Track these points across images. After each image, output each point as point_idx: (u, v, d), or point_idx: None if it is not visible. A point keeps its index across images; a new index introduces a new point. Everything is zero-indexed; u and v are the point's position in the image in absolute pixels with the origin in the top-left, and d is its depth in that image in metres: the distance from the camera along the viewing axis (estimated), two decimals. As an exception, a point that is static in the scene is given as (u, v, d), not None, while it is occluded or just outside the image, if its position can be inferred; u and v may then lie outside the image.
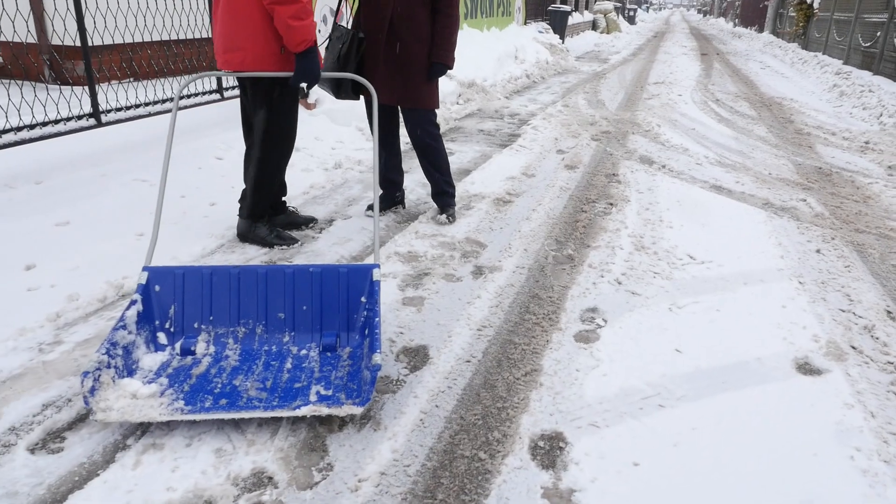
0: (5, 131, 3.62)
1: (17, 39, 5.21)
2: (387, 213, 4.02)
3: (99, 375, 2.01)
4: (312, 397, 2.09)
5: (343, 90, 3.53)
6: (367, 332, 2.41)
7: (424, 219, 3.90)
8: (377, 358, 2.05)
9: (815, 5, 15.46)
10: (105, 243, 3.32)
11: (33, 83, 4.86)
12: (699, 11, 72.24)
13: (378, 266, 2.52)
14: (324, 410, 2.00)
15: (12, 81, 4.10)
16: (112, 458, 1.89)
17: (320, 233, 3.68)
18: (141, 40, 5.97)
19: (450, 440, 2.01)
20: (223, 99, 5.32)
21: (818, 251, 3.63)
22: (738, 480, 1.87)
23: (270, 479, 1.82)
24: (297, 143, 3.53)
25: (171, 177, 4.21)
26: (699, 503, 1.78)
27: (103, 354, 2.06)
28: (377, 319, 2.27)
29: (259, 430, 2.00)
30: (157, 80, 5.58)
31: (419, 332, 2.63)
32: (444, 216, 3.83)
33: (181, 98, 4.97)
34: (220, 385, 2.17)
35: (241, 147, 4.94)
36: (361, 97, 3.64)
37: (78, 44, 5.34)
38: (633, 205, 4.33)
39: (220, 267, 2.52)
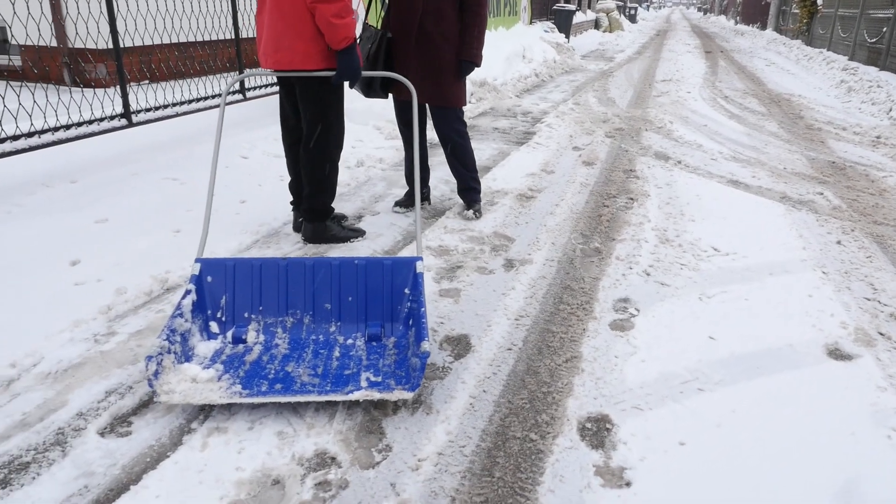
0: (43, 131, 3.71)
1: (40, 43, 5.30)
2: (412, 209, 4.09)
3: (161, 360, 2.09)
4: (363, 383, 2.17)
5: (373, 89, 3.61)
6: (410, 322, 2.49)
7: (451, 214, 3.98)
8: (426, 345, 2.13)
9: (819, 2, 15.52)
10: (143, 239, 3.40)
11: (55, 85, 4.96)
12: (699, 9, 72.26)
13: (421, 259, 2.60)
14: (376, 395, 2.08)
15: (38, 85, 4.20)
16: (179, 441, 1.97)
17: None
18: (160, 42, 6.06)
19: (500, 422, 2.08)
20: (245, 99, 5.40)
21: (839, 242, 3.70)
22: (780, 459, 1.94)
23: (333, 459, 1.90)
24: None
25: (202, 175, 4.31)
26: (745, 480, 1.85)
27: (164, 340, 2.14)
28: (423, 309, 2.35)
29: (317, 415, 2.08)
30: (175, 82, 5.66)
31: (459, 322, 2.70)
32: (470, 211, 3.91)
33: (205, 98, 5.05)
34: (273, 371, 2.25)
35: (265, 147, 5.06)
36: (389, 95, 3.72)
37: (97, 47, 5.44)
38: (654, 199, 4.40)
39: (269, 259, 2.60)
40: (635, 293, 3.01)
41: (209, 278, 2.54)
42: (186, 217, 3.72)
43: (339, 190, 4.45)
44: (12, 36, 4.20)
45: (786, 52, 16.54)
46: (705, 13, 60.14)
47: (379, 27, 3.70)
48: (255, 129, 5.29)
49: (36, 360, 2.34)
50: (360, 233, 3.57)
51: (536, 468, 1.89)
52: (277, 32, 3.08)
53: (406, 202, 4.05)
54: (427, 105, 3.80)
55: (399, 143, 5.72)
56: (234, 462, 1.87)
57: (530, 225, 3.87)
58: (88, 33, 4.84)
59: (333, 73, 3.09)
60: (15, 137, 3.54)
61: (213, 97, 5.08)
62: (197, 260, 2.57)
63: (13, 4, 3.98)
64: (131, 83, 6.26)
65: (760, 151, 5.88)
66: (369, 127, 6.00)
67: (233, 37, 5.44)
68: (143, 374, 2.19)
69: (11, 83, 3.59)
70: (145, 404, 2.14)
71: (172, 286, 2.97)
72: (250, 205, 4.03)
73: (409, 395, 2.08)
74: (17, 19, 3.85)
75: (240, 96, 5.36)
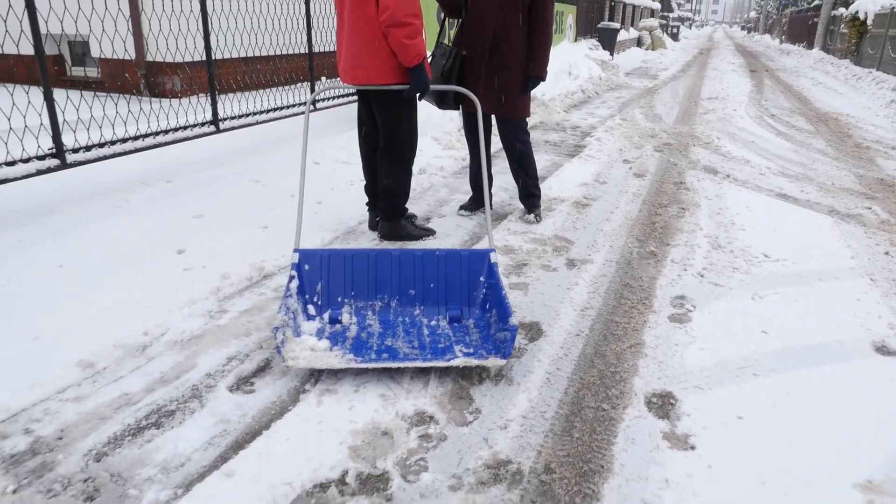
0: (144, 135, 4.11)
1: (115, 57, 5.77)
2: (476, 213, 4.39)
3: (285, 331, 2.41)
4: (458, 353, 2.46)
5: (446, 101, 3.92)
6: (487, 306, 2.78)
7: (513, 218, 4.26)
8: (513, 320, 2.41)
9: (869, 22, 15.46)
10: (236, 234, 3.75)
11: (134, 96, 5.40)
12: (743, 28, 71.58)
13: (494, 250, 2.89)
14: (473, 362, 2.36)
15: (119, 95, 4.62)
16: (297, 399, 2.28)
17: (421, 229, 4.06)
18: (237, 56, 6.51)
19: (575, 394, 2.34)
20: (315, 110, 5.78)
21: (887, 253, 3.87)
22: (832, 437, 2.15)
23: (431, 417, 2.19)
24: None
25: (281, 179, 4.68)
26: (800, 453, 2.07)
27: (285, 315, 2.46)
28: (504, 292, 2.63)
29: (413, 382, 2.37)
30: (250, 93, 6.09)
31: (529, 311, 2.97)
32: (531, 216, 4.19)
33: (284, 108, 5.44)
34: (375, 345, 2.55)
35: (334, 154, 5.42)
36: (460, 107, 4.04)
37: (175, 60, 5.90)
38: (704, 209, 4.62)
39: (360, 249, 2.91)
40: (691, 291, 3.24)
41: (306, 266, 2.86)
42: (270, 216, 4.08)
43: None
44: (101, 50, 4.64)
45: (833, 71, 16.48)
46: (749, 32, 59.61)
47: (450, 45, 4.03)
48: (325, 138, 5.66)
49: (163, 331, 2.69)
50: (431, 232, 3.88)
51: (610, 432, 2.14)
52: (355, 51, 3.41)
53: (470, 206, 4.35)
54: (493, 116, 4.11)
55: (457, 152, 6.05)
56: (347, 416, 2.17)
57: (588, 229, 4.13)
58: (168, 48, 5.28)
59: (406, 87, 3.41)
60: (123, 140, 3.94)
61: (289, 107, 5.47)
62: (295, 250, 2.88)
63: (90, 21, 4.35)
64: (200, 94, 6.73)
65: (808, 168, 6.03)
66: (427, 137, 6.33)
67: (306, 51, 5.84)
68: (267, 344, 2.53)
69: (95, 94, 3.97)
70: (262, 368, 2.46)
71: (268, 273, 3.31)
72: (326, 206, 4.37)
73: (502, 363, 2.36)
74: (101, 34, 4.25)
75: (310, 108, 5.73)
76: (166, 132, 4.24)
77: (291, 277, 2.74)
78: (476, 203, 4.39)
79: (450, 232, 4.01)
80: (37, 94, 3.51)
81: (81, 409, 2.18)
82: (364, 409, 2.21)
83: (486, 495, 1.84)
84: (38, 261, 3.16)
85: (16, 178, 3.32)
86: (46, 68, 3.44)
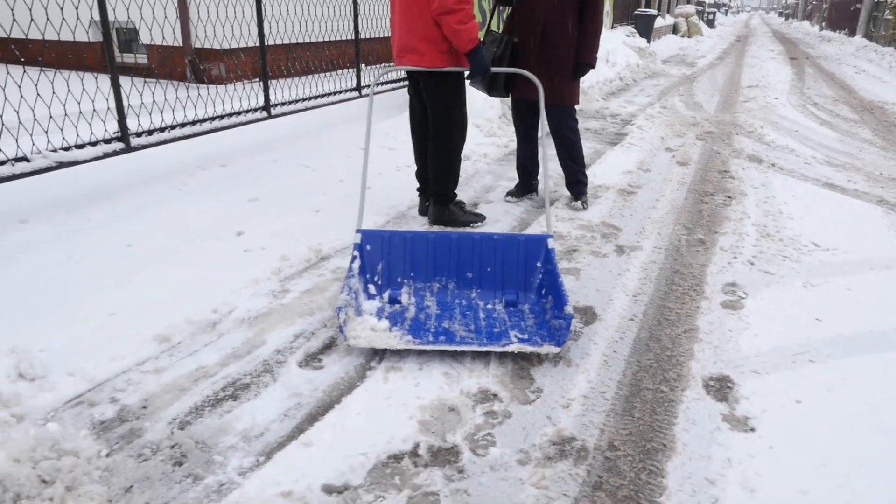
0: (201, 120, 4.23)
1: (164, 43, 5.90)
2: (523, 199, 4.43)
3: (347, 311, 2.50)
4: (513, 339, 2.52)
5: (496, 88, 3.97)
6: (543, 291, 2.84)
7: (560, 205, 4.30)
8: (569, 308, 2.46)
9: (916, 8, 15.03)
10: (290, 216, 3.86)
11: (181, 83, 5.53)
12: (781, 14, 69.83)
13: (551, 236, 2.94)
14: (528, 348, 2.42)
15: (169, 82, 4.74)
16: (364, 375, 2.37)
17: (469, 214, 4.13)
18: (282, 43, 6.61)
19: (633, 376, 2.40)
20: (360, 97, 5.86)
21: (940, 243, 3.82)
22: (889, 422, 2.18)
23: (495, 395, 2.26)
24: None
25: (330, 163, 4.78)
26: (858, 436, 2.10)
27: (347, 295, 2.54)
28: (560, 279, 2.68)
29: (474, 362, 2.45)
30: (297, 78, 6.19)
31: (583, 296, 3.03)
32: (578, 203, 4.22)
33: (333, 94, 5.54)
34: (433, 327, 2.62)
35: (380, 140, 5.51)
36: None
37: (221, 47, 6.02)
38: (751, 198, 4.60)
39: (420, 232, 2.99)
40: (742, 279, 3.26)
41: (368, 247, 2.94)
42: (323, 199, 4.18)
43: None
44: (150, 37, 4.76)
45: (877, 59, 16.07)
46: (787, 18, 58.15)
47: (501, 32, 4.07)
48: (371, 124, 5.74)
49: (230, 309, 2.80)
50: (480, 217, 3.94)
51: (670, 412, 2.19)
52: (406, 36, 3.47)
53: (517, 192, 4.40)
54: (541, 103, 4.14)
55: (498, 139, 6.09)
56: (414, 392, 2.25)
57: (634, 217, 4.15)
58: (215, 35, 5.40)
59: (467, 70, 3.47)
60: (182, 125, 4.07)
61: (338, 93, 5.55)
62: (358, 230, 2.97)
63: (140, 8, 4.44)
64: (242, 81, 6.85)
65: (855, 157, 5.95)
66: (469, 124, 6.36)
67: (352, 38, 5.93)
68: (330, 323, 2.63)
69: (138, 79, 4.08)
70: (328, 346, 2.56)
71: (325, 256, 3.40)
72: (375, 191, 4.45)
73: (556, 350, 2.41)
74: (147, 21, 4.35)
75: (356, 93, 5.82)
76: (221, 117, 4.35)
77: (354, 258, 2.83)
78: (522, 189, 4.43)
79: (498, 217, 4.07)
80: (89, 79, 3.62)
81: (162, 381, 2.30)
82: (429, 386, 2.29)
83: (554, 469, 1.91)
84: (107, 240, 3.30)
85: (85, 161, 3.45)
86: (114, 56, 3.57)
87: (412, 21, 3.43)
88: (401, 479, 1.86)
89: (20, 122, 3.27)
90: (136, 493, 1.80)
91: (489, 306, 2.86)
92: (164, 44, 7.04)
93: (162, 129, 3.91)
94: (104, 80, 3.70)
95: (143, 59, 8.65)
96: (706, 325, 2.79)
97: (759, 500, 1.81)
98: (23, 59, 3.36)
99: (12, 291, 2.77)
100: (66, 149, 3.39)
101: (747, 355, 2.55)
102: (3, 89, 3.17)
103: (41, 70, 3.42)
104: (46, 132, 3.38)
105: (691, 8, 26.58)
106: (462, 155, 5.37)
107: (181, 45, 7.87)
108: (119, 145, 3.65)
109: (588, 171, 5.10)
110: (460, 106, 3.73)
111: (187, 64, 7.94)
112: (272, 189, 4.21)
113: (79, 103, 3.57)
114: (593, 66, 3.99)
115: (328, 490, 1.81)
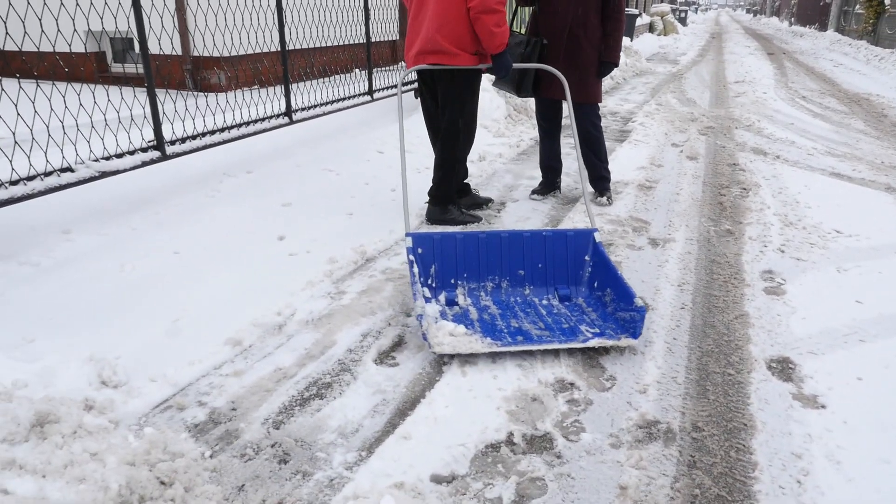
0: (229, 127, 4.24)
1: (161, 52, 5.84)
2: (547, 197, 4.52)
3: (427, 319, 2.52)
4: (586, 333, 2.58)
5: (524, 89, 4.06)
6: (595, 284, 2.92)
7: (584, 201, 4.38)
8: (639, 301, 2.53)
9: (887, 1, 15.46)
10: (325, 220, 3.90)
11: (179, 91, 5.50)
12: (748, 11, 71.14)
13: (597, 230, 3.03)
14: (607, 342, 2.48)
15: (166, 91, 4.71)
16: (440, 370, 2.42)
17: (499, 213, 4.20)
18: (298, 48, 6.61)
19: (698, 361, 2.49)
20: (372, 100, 5.90)
21: (953, 226, 3.99)
22: (947, 393, 2.29)
23: (572, 384, 2.33)
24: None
25: (349, 168, 4.82)
26: (920, 407, 2.22)
27: (422, 302, 2.57)
28: (619, 273, 2.76)
29: (544, 353, 2.51)
30: (300, 83, 6.21)
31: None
32: (603, 198, 4.32)
33: (349, 98, 5.57)
34: (504, 327, 2.67)
35: (395, 143, 5.54)
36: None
37: (221, 54, 6.01)
38: (765, 189, 4.74)
39: (469, 232, 3.04)
40: (777, 266, 3.38)
41: (420, 250, 2.98)
42: (353, 202, 4.22)
43: (475, 181, 4.93)
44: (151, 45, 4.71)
45: (853, 52, 16.49)
46: (755, 14, 59.28)
47: (522, 33, 4.15)
48: (384, 127, 5.80)
49: (293, 311, 2.84)
50: (476, 219, 3.97)
51: (742, 393, 2.28)
52: (435, 38, 3.52)
53: (542, 190, 4.49)
54: (563, 102, 4.23)
55: (507, 140, 6.18)
56: (494, 384, 2.32)
57: (659, 210, 4.26)
58: (214, 44, 5.35)
59: (488, 66, 3.56)
60: (211, 132, 4.08)
61: (355, 96, 5.59)
62: (408, 234, 3.01)
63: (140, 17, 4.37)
64: (244, 88, 6.85)
65: (853, 147, 6.14)
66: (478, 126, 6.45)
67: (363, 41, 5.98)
68: (395, 321, 2.69)
69: (137, 89, 4.05)
70: (398, 344, 2.61)
71: (371, 257, 3.45)
72: (400, 192, 4.48)
73: (634, 342, 2.49)
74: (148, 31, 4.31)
75: (367, 98, 5.86)
76: (247, 124, 4.37)
77: (411, 262, 2.86)
78: (547, 187, 4.51)
79: (528, 215, 4.15)
80: (86, 91, 3.53)
81: (244, 383, 2.33)
82: (507, 378, 2.35)
83: (648, 451, 1.99)
84: (154, 248, 3.31)
85: (124, 170, 3.46)
86: (150, 68, 3.58)
87: (443, 22, 3.49)
88: (504, 467, 1.93)
89: (49, 135, 3.23)
90: (250, 491, 1.83)
91: (545, 302, 2.92)
92: (161, 52, 7.01)
93: (193, 137, 3.92)
94: (101, 92, 3.59)
95: (139, 68, 8.60)
96: (755, 310, 2.89)
97: (846, 471, 1.90)
98: (17, 75, 3.17)
99: (74, 301, 2.78)
100: (107, 158, 3.39)
101: (800, 337, 2.66)
102: (33, 102, 3.10)
103: (46, 83, 3.31)
104: (88, 142, 3.38)
105: (666, 7, 26.99)
106: (475, 156, 5.47)
107: (179, 53, 7.85)
108: (155, 154, 3.66)
109: (605, 168, 5.21)
110: (472, 110, 3.82)
111: (186, 73, 7.91)
112: (302, 194, 4.24)
113: (118, 112, 3.56)
114: (617, 65, 4.09)
115: (437, 480, 1.87)
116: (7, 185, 2.97)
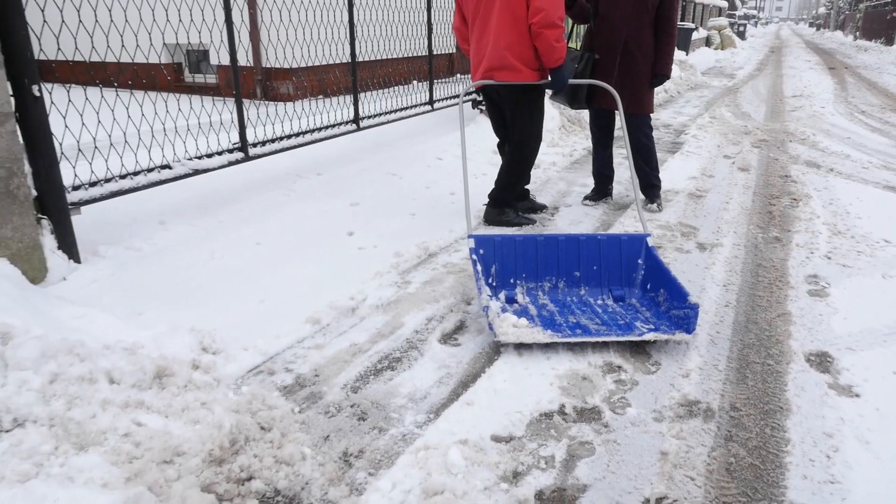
0: (303, 132, 4.61)
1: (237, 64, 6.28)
2: (599, 203, 4.73)
3: (491, 311, 2.77)
4: (643, 329, 2.79)
5: (577, 101, 4.29)
6: (648, 286, 3.12)
7: (635, 207, 4.57)
8: (693, 299, 2.72)
9: (957, 17, 15.03)
10: (389, 219, 4.20)
11: (250, 101, 5.92)
12: (811, 24, 69.31)
13: (650, 235, 3.23)
14: (662, 336, 2.67)
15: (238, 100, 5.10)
16: (498, 351, 2.67)
17: (553, 217, 4.43)
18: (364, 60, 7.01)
19: (739, 352, 2.67)
20: (433, 110, 6.22)
21: None
22: (981, 389, 2.42)
23: (619, 367, 2.55)
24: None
25: (412, 173, 5.13)
26: (954, 400, 2.35)
27: (488, 297, 2.82)
28: (673, 274, 2.95)
29: (595, 342, 2.73)
30: (365, 93, 6.58)
31: (677, 286, 3.30)
32: (654, 205, 4.50)
33: (411, 107, 5.91)
34: (563, 322, 2.90)
35: (454, 150, 5.85)
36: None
37: (290, 66, 6.42)
38: (816, 200, 4.83)
39: (528, 235, 3.28)
40: (822, 271, 3.51)
41: (481, 251, 3.23)
42: (414, 204, 4.52)
43: (530, 187, 5.16)
44: (217, 58, 5.16)
45: (918, 67, 16.06)
46: (818, 28, 57.76)
47: (577, 49, 4.40)
48: (443, 136, 6.11)
49: (364, 297, 3.13)
50: (531, 221, 4.22)
51: (780, 381, 2.46)
52: (501, 55, 3.77)
53: (594, 196, 4.70)
54: (616, 113, 4.45)
55: (560, 149, 6.40)
56: (547, 364, 2.55)
57: (708, 217, 4.41)
58: (284, 55, 5.79)
59: (548, 82, 3.80)
60: (288, 136, 4.45)
61: (416, 106, 5.92)
62: (470, 236, 3.26)
63: (210, 31, 4.70)
64: (317, 96, 7.26)
65: (911, 162, 6.12)
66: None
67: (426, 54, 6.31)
68: (456, 308, 2.95)
69: (214, 98, 4.43)
70: (459, 328, 2.88)
71: (433, 252, 3.73)
72: (459, 196, 4.78)
73: (688, 338, 2.67)
74: (216, 44, 4.70)
75: (428, 107, 6.18)
76: (319, 129, 4.73)
77: (475, 262, 3.10)
78: (599, 194, 4.72)
79: (580, 219, 4.37)
80: (159, 100, 3.95)
81: (324, 355, 2.63)
82: (560, 360, 2.59)
83: (688, 425, 2.19)
84: (239, 239, 3.67)
85: (214, 169, 3.84)
86: (238, 77, 3.97)
87: (509, 40, 3.75)
88: (556, 432, 2.16)
89: (139, 138, 3.60)
90: (334, 441, 2.12)
91: (599, 301, 3.13)
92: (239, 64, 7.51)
93: (272, 140, 4.29)
94: (183, 100, 3.95)
95: (211, 78, 9.18)
96: (797, 310, 3.05)
97: (874, 450, 2.07)
98: (98, 82, 3.51)
99: (176, 282, 3.15)
100: (200, 157, 3.78)
101: (840, 335, 2.81)
102: (127, 108, 3.43)
103: (126, 90, 3.64)
104: (184, 143, 3.78)
105: (724, 20, 26.73)
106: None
107: (251, 64, 8.36)
108: (240, 154, 4.03)
109: (656, 177, 5.39)
110: (538, 122, 4.07)
111: (257, 83, 8.41)
112: (368, 195, 4.57)
113: (209, 116, 3.96)
114: (669, 76, 4.29)
115: (497, 439, 2.12)
116: (118, 178, 3.37)
